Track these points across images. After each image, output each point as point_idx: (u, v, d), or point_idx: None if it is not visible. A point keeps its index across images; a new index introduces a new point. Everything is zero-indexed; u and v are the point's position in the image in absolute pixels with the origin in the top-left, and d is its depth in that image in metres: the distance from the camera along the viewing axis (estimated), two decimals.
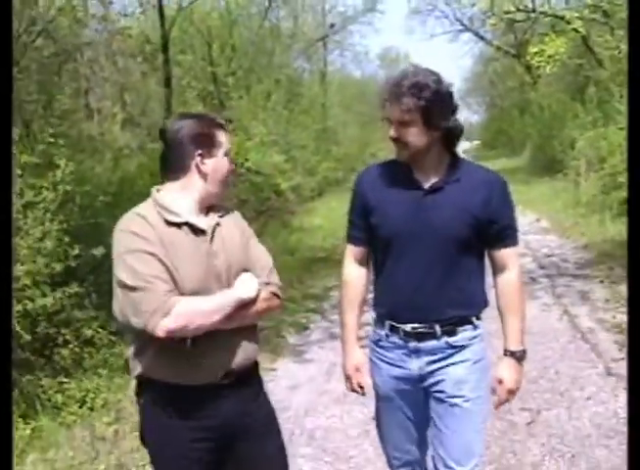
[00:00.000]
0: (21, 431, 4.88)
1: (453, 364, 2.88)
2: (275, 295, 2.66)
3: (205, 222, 2.61)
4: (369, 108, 36.71)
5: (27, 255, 5.55)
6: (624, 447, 4.39)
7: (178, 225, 2.54)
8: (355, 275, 3.06)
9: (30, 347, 5.55)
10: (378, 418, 3.17)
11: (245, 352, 2.62)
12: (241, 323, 2.56)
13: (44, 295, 5.51)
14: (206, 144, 2.61)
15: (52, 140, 6.59)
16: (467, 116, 78.60)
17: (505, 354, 2.92)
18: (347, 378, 3.09)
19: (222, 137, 2.64)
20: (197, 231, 2.57)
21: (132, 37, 10.29)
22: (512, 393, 2.93)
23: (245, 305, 2.54)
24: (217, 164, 2.62)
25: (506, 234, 2.90)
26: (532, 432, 4.79)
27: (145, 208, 2.60)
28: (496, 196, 2.85)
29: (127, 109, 12.30)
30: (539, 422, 4.94)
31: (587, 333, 6.91)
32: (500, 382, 2.91)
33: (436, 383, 2.90)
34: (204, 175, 2.61)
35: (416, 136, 2.75)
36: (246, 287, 2.56)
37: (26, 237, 5.65)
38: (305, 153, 19.66)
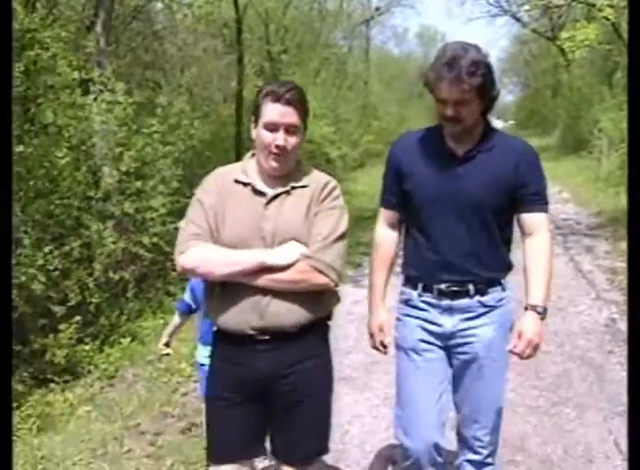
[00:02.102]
0: None
1: (482, 326, 2.96)
2: (318, 270, 2.64)
3: (269, 187, 2.73)
4: (407, 85, 38.27)
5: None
6: (599, 341, 6.21)
7: (244, 184, 2.73)
8: (387, 237, 3.13)
9: None
10: (399, 376, 3.15)
11: (280, 314, 2.65)
12: (268, 285, 2.62)
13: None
14: (255, 113, 2.73)
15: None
16: (502, 95, 79.42)
17: (526, 308, 2.91)
18: (371, 335, 3.18)
19: (267, 108, 2.66)
20: (257, 193, 2.72)
21: (215, 21, 12.15)
22: (531, 344, 2.87)
23: (271, 270, 2.61)
24: (258, 134, 2.70)
25: (536, 200, 2.93)
26: None
27: (235, 164, 2.89)
28: (526, 163, 2.90)
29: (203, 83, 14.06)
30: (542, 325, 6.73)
31: (587, 273, 8.71)
32: (520, 334, 2.87)
33: (466, 343, 2.99)
34: (254, 144, 2.77)
35: (472, 113, 2.81)
36: (277, 254, 2.63)
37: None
38: (349, 126, 21.41)
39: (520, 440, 4.46)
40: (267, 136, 2.65)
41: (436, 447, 3.01)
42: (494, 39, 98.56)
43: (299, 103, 2.69)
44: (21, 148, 5.90)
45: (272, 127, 2.64)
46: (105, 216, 7.25)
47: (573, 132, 27.08)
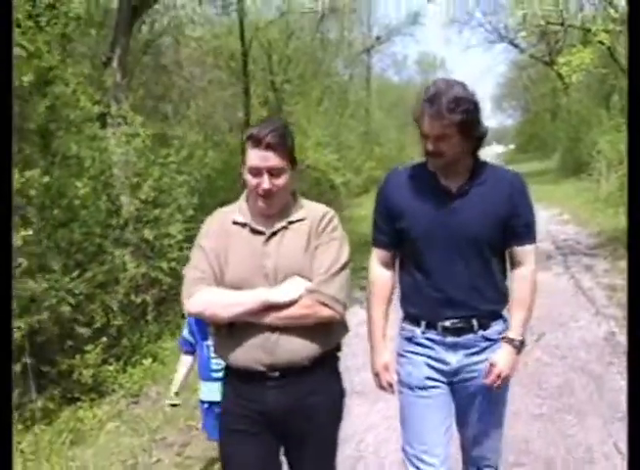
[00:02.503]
0: None
1: (486, 360, 3.00)
2: (323, 303, 2.68)
3: (265, 225, 2.78)
4: (406, 111, 38.78)
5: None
6: (598, 353, 6.51)
7: (242, 225, 2.80)
8: (382, 275, 3.13)
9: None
10: (405, 413, 3.15)
11: (289, 350, 2.69)
12: (274, 323, 2.67)
13: None
14: (242, 157, 2.79)
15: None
16: (501, 119, 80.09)
17: (503, 340, 3.00)
18: (376, 375, 3.16)
19: (249, 153, 2.72)
20: (255, 232, 2.78)
21: (222, 54, 12.63)
22: (502, 376, 2.97)
23: (276, 308, 2.65)
24: (245, 177, 2.77)
25: (525, 232, 2.99)
26: (538, 344, 6.88)
27: (233, 205, 2.93)
28: (516, 193, 2.95)
29: (206, 112, 14.49)
30: (544, 339, 7.03)
31: (587, 290, 9.02)
32: (493, 365, 2.96)
33: (471, 378, 3.03)
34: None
35: (453, 148, 2.83)
36: (280, 291, 2.67)
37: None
38: (352, 153, 21.83)
39: (525, 443, 4.75)
40: (252, 180, 2.71)
41: None
42: (493, 65, 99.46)
43: (281, 144, 2.70)
44: (46, 179, 6.22)
45: (255, 172, 2.70)
46: (124, 243, 7.58)
47: (573, 155, 27.47)
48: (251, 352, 2.69)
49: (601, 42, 22.55)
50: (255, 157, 2.69)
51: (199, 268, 2.75)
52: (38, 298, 5.57)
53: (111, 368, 6.48)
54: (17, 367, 5.38)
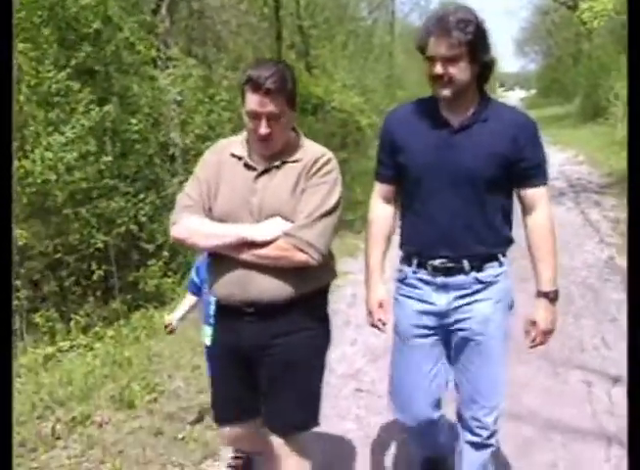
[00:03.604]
0: None
1: (479, 301, 2.89)
2: (298, 248, 2.66)
3: (260, 161, 2.77)
4: None
5: None
6: (598, 272, 7.39)
7: (238, 158, 2.79)
8: (382, 213, 3.06)
9: None
10: (393, 359, 3.14)
11: (264, 288, 2.70)
12: (250, 260, 2.68)
13: None
14: (241, 97, 2.76)
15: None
16: (524, 64, 79.61)
17: (538, 296, 2.90)
18: (369, 313, 3.09)
19: (248, 97, 2.67)
20: (249, 167, 2.77)
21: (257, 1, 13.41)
22: (547, 333, 2.90)
23: (254, 245, 2.66)
24: (244, 118, 2.74)
25: (535, 173, 2.86)
26: None
27: (236, 137, 2.93)
28: (525, 136, 2.81)
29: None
30: None
31: (594, 222, 9.88)
32: (534, 323, 2.89)
33: (462, 320, 2.91)
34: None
35: (462, 71, 2.69)
36: (259, 230, 2.67)
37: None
38: (377, 96, 22.48)
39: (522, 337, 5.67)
40: (250, 124, 2.69)
41: (431, 422, 3.10)
42: (517, 9, 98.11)
43: (280, 90, 2.65)
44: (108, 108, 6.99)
45: (254, 116, 2.66)
46: (173, 174, 8.48)
47: (592, 100, 27.88)
48: (228, 287, 2.74)
49: None
50: (254, 102, 2.64)
51: (189, 196, 2.78)
52: (116, 215, 6.47)
53: (169, 280, 7.43)
54: (95, 275, 6.36)
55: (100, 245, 6.17)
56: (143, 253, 7.19)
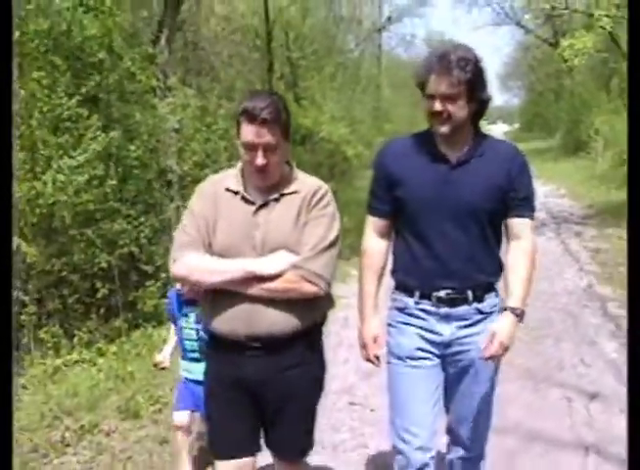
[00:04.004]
0: None
1: (479, 333, 2.93)
2: (307, 279, 2.66)
3: (258, 195, 2.76)
4: (415, 89, 39.73)
5: None
6: (577, 298, 7.74)
7: (234, 192, 2.76)
8: (376, 246, 3.06)
9: None
10: (393, 384, 3.11)
11: (269, 322, 2.68)
12: (259, 294, 2.66)
13: None
14: (237, 129, 2.73)
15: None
16: (507, 99, 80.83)
17: (504, 310, 2.89)
18: (364, 347, 3.08)
19: (243, 128, 2.66)
20: (247, 201, 2.74)
21: (250, 32, 13.86)
22: (503, 346, 2.84)
23: (260, 279, 2.64)
24: (240, 151, 2.72)
25: (523, 205, 2.93)
26: None
27: (229, 171, 2.91)
28: (517, 167, 2.90)
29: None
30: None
31: (574, 252, 10.26)
32: (493, 334, 2.84)
33: (463, 351, 2.97)
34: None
35: (461, 109, 2.75)
36: (265, 263, 2.65)
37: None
38: (363, 127, 22.96)
39: (509, 357, 5.98)
40: (246, 155, 2.68)
41: (430, 454, 3.07)
42: (500, 46, 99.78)
43: (276, 120, 2.66)
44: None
45: (250, 147, 2.65)
46: (170, 199, 8.77)
47: (573, 135, 28.68)
48: (232, 322, 2.71)
49: (602, 27, 23.65)
50: (250, 132, 2.64)
51: (187, 232, 2.74)
52: (118, 237, 6.75)
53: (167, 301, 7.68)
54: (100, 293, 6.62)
55: (104, 265, 6.42)
56: (142, 274, 7.44)
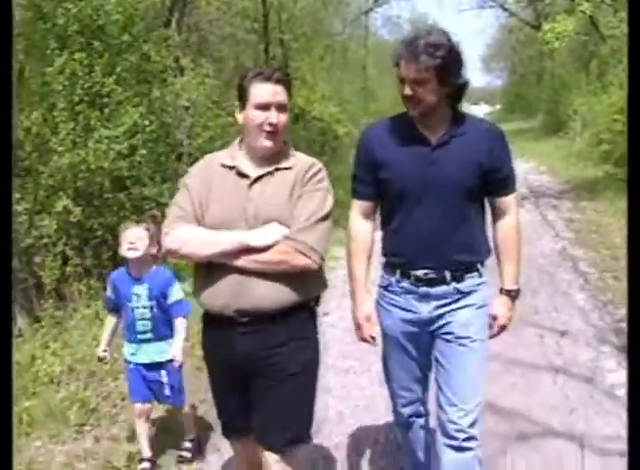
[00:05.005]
0: None
1: (460, 308, 2.98)
2: (299, 251, 2.66)
3: (253, 169, 2.77)
4: None
5: None
6: (553, 259, 8.66)
7: (230, 168, 2.78)
8: (362, 229, 3.08)
9: None
10: (385, 359, 3.25)
11: (263, 295, 2.67)
12: (249, 266, 2.65)
13: None
14: (241, 97, 2.77)
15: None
16: (490, 80, 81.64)
17: (500, 293, 3.03)
18: (358, 327, 3.11)
19: (257, 88, 2.70)
20: (241, 175, 2.76)
21: (249, 17, 14.67)
22: (505, 328, 3.05)
23: (252, 251, 2.63)
24: (246, 116, 2.74)
25: (507, 182, 3.00)
26: None
27: (223, 151, 2.94)
28: (497, 145, 2.94)
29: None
30: None
31: (550, 221, 11.20)
32: (494, 318, 3.01)
33: (444, 325, 3.01)
34: (242, 127, 2.81)
35: (430, 93, 2.78)
36: (257, 234, 2.66)
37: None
38: (351, 107, 23.79)
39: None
40: (259, 116, 2.70)
41: (423, 403, 3.32)
42: (483, 28, 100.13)
43: (287, 82, 2.78)
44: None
45: (263, 106, 2.69)
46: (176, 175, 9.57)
47: (554, 116, 29.69)
48: (223, 296, 2.70)
49: (582, 12, 24.48)
50: (266, 91, 2.70)
51: (180, 206, 2.75)
52: (144, 202, 7.56)
53: None
54: None
55: None
56: None
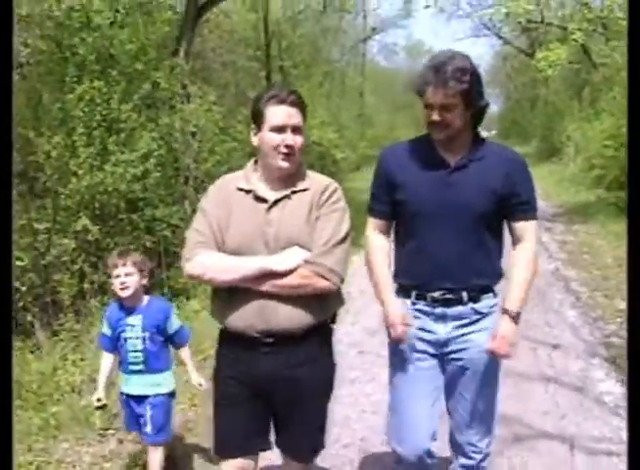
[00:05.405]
0: None
1: (476, 332, 2.99)
2: (320, 274, 2.68)
3: (270, 192, 2.79)
4: (396, 96, 41.19)
5: None
6: (545, 280, 9.02)
7: (246, 191, 2.79)
8: (380, 244, 3.11)
9: None
10: (394, 382, 3.19)
11: (284, 318, 2.71)
12: (271, 291, 2.68)
13: None
14: (256, 120, 2.79)
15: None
16: None
17: (503, 313, 2.97)
18: (392, 325, 3.03)
19: (272, 111, 2.72)
20: (259, 199, 2.77)
21: (251, 46, 15.20)
22: (506, 341, 2.93)
23: (274, 276, 2.66)
24: (262, 138, 2.76)
25: (525, 208, 2.98)
26: None
27: (238, 172, 2.94)
28: (516, 172, 2.93)
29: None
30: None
31: (544, 243, 11.58)
32: (495, 337, 2.93)
33: (460, 350, 3.02)
34: (258, 149, 2.83)
35: (457, 118, 2.81)
36: (278, 259, 2.68)
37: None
38: (349, 132, 24.31)
39: None
40: (275, 138, 2.72)
41: (429, 454, 3.13)
42: (479, 55, 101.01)
43: (302, 105, 2.80)
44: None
45: (279, 129, 2.72)
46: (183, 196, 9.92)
47: (548, 142, 30.28)
48: (247, 318, 2.72)
49: (575, 40, 25.00)
50: (281, 114, 2.71)
51: (199, 231, 2.76)
52: (155, 223, 7.90)
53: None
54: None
55: (149, 244, 7.57)
56: (170, 255, 8.55)
